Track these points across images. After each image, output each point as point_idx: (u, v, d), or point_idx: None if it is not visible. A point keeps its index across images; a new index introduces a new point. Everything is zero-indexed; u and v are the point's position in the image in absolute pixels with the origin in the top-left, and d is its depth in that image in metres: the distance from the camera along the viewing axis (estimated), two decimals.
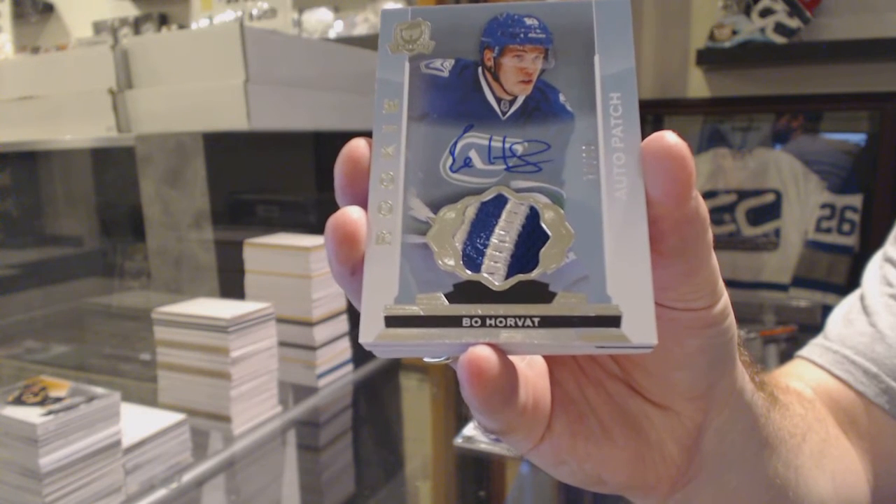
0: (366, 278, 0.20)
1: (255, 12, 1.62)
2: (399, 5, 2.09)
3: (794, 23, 1.63)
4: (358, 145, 0.21)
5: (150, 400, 0.91)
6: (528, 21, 0.23)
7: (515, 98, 0.22)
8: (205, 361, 0.87)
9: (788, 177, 1.72)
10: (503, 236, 0.20)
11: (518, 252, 0.20)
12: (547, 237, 0.20)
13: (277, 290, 1.02)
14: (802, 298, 1.68)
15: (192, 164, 1.13)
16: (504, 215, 0.20)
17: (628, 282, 0.19)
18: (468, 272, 0.20)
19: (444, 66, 0.22)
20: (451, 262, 0.20)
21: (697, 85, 1.83)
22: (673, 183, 0.19)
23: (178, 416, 0.79)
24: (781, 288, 1.74)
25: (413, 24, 0.23)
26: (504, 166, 0.21)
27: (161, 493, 0.73)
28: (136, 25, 2.79)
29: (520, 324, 0.19)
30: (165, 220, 1.18)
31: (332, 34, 2.27)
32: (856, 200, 1.66)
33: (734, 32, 1.67)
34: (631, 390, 0.26)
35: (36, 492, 0.63)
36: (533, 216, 0.20)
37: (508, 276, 0.20)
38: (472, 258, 0.20)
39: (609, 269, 0.19)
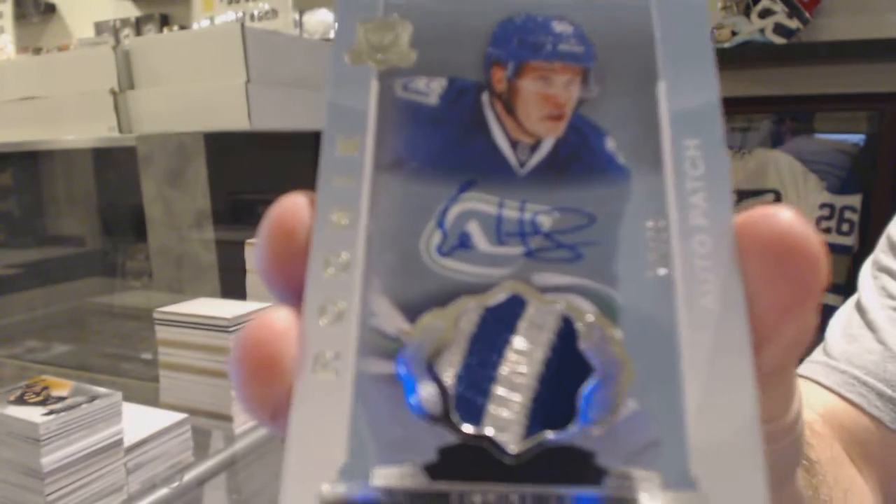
0: (292, 432, 0.12)
1: (256, 13, 1.62)
2: None
3: (793, 23, 1.63)
4: (293, 205, 0.14)
5: (152, 399, 0.91)
6: (559, 27, 0.15)
7: (540, 141, 0.15)
8: (206, 361, 0.88)
9: (788, 177, 1.72)
10: (520, 366, 0.13)
11: (543, 393, 0.13)
12: (590, 370, 0.13)
13: None
14: None
15: (193, 164, 1.14)
16: (522, 331, 0.13)
17: (724, 452, 0.12)
18: (463, 427, 0.12)
19: (430, 89, 0.15)
20: (437, 409, 0.13)
21: None
22: (795, 292, 0.13)
23: (179, 416, 0.79)
24: None
25: (385, 22, 0.16)
26: (523, 249, 0.14)
27: (162, 492, 0.74)
28: (138, 26, 2.80)
29: None
30: (167, 219, 1.18)
31: (332, 35, 2.28)
32: (855, 200, 1.66)
33: (734, 33, 1.68)
34: None
35: (38, 491, 0.63)
36: (568, 333, 0.13)
37: (528, 434, 0.12)
38: (470, 402, 0.13)
39: (693, 429, 0.12)
